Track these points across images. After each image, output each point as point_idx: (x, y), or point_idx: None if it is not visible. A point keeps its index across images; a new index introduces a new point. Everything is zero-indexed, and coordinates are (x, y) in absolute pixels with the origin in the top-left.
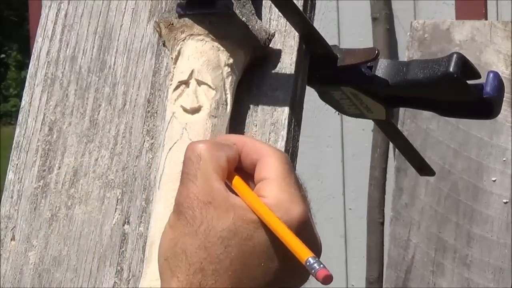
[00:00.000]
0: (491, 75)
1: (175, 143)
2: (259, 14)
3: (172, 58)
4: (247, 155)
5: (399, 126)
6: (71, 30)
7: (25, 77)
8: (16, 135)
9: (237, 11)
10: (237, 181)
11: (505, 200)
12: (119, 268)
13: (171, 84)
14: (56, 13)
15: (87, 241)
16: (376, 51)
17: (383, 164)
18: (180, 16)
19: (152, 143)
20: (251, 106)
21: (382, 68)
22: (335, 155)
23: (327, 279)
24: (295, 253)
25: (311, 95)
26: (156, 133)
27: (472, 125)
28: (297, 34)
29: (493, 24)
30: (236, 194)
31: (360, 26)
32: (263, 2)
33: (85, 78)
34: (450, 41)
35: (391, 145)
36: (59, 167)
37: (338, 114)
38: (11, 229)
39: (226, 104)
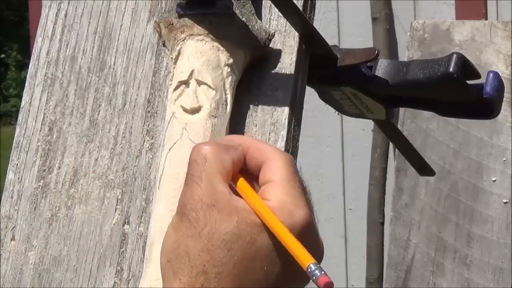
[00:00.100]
0: (491, 75)
1: (175, 143)
2: (259, 14)
3: (172, 58)
4: (252, 157)
5: (399, 126)
6: (71, 30)
7: (25, 77)
8: (16, 135)
9: (237, 11)
10: (242, 184)
11: (505, 200)
12: (119, 268)
13: (171, 84)
14: (56, 13)
15: (87, 241)
16: (376, 51)
17: (383, 164)
18: (180, 16)
19: (152, 143)
20: (251, 106)
21: (382, 68)
22: (335, 155)
23: (328, 286)
24: (296, 258)
25: (311, 95)
26: (156, 133)
27: (472, 125)
28: (297, 34)
29: (493, 24)
30: (241, 197)
31: (360, 26)
32: (263, 2)
33: (85, 78)
34: (450, 41)
35: (391, 145)
36: (59, 167)
37: (338, 114)
38: (11, 229)
39: (226, 104)
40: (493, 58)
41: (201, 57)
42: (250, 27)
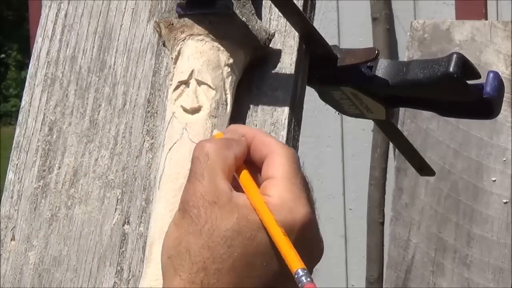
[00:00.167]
0: (491, 75)
1: (175, 143)
2: (259, 14)
3: (172, 58)
4: (255, 149)
5: (399, 126)
6: (71, 30)
7: (25, 77)
8: (16, 135)
9: (237, 11)
10: (244, 177)
11: (505, 200)
12: (119, 268)
13: (171, 84)
14: (56, 13)
15: (87, 241)
16: (376, 51)
17: (383, 164)
18: (180, 16)
19: (152, 143)
20: (251, 106)
21: (382, 68)
22: (335, 155)
23: None
24: (286, 261)
25: (311, 95)
26: (156, 133)
27: (472, 125)
28: (297, 34)
29: (493, 24)
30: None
31: (360, 26)
32: (263, 2)
33: (85, 78)
34: (450, 41)
35: (391, 145)
36: (59, 167)
37: (338, 114)
38: (11, 229)
39: (226, 104)
40: (493, 58)
41: (201, 57)
42: (250, 27)
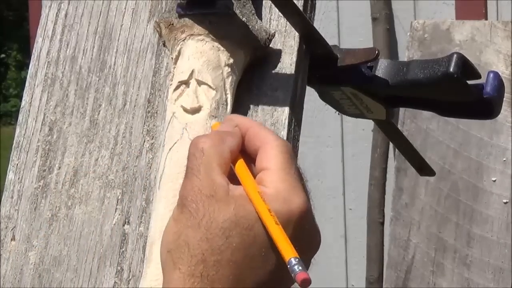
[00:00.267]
0: (491, 75)
1: (175, 143)
2: (259, 14)
3: (172, 58)
4: (250, 140)
5: (399, 126)
6: (71, 30)
7: (25, 77)
8: (16, 135)
9: (237, 11)
10: (240, 167)
11: (505, 200)
12: (119, 268)
13: (171, 84)
14: (56, 13)
15: (87, 241)
16: (376, 51)
17: (383, 164)
18: (180, 16)
19: (152, 143)
20: (251, 106)
21: (382, 68)
22: (335, 155)
23: (305, 283)
24: (279, 250)
25: (311, 95)
26: (156, 133)
27: (472, 125)
28: (297, 34)
29: (493, 24)
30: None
31: (360, 26)
32: (263, 2)
33: (85, 78)
34: (450, 41)
35: (391, 145)
36: (59, 167)
37: (338, 114)
38: (11, 229)
39: (226, 104)
40: (493, 58)
41: (201, 57)
42: (250, 27)
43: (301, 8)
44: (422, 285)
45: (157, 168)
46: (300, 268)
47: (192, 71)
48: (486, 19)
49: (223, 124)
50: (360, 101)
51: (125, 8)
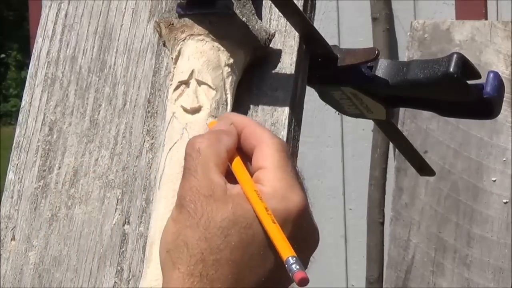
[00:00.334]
0: (491, 75)
1: (175, 143)
2: (259, 14)
3: (172, 58)
4: (245, 139)
5: (399, 126)
6: (71, 30)
7: (25, 77)
8: (16, 135)
9: (237, 11)
10: (236, 165)
11: (505, 200)
12: (119, 268)
13: (171, 84)
14: (56, 13)
15: (87, 241)
16: (376, 51)
17: (383, 164)
18: (180, 16)
19: (152, 143)
20: (251, 106)
21: (382, 68)
22: (335, 155)
23: (303, 282)
24: (277, 249)
25: (311, 95)
26: (156, 133)
27: (472, 125)
28: (297, 34)
29: (493, 24)
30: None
31: (360, 26)
32: (263, 2)
33: (85, 78)
34: (450, 41)
35: (391, 145)
36: (59, 167)
37: (338, 114)
38: (11, 229)
39: (226, 104)
40: (493, 58)
41: (201, 57)
42: (250, 27)
43: (301, 8)
44: (422, 285)
45: (157, 168)
46: (297, 267)
47: (192, 71)
48: (486, 19)
49: (219, 122)
50: (360, 101)
51: (125, 8)
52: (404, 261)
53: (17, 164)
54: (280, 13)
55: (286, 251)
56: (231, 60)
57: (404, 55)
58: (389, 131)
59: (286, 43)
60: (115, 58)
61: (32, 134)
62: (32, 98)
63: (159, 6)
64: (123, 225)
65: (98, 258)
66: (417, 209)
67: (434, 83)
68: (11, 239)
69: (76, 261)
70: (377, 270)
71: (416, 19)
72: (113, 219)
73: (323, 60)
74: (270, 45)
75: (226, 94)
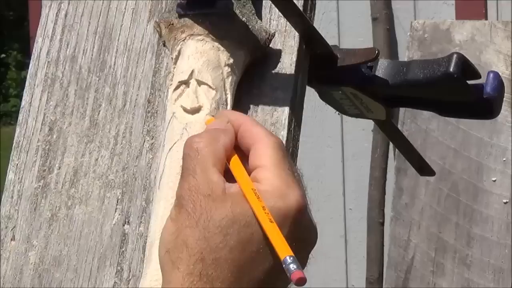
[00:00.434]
0: (491, 75)
1: (175, 143)
2: (259, 14)
3: (172, 58)
4: (242, 137)
5: (399, 126)
6: (71, 30)
7: (25, 77)
8: (16, 135)
9: (237, 11)
10: (234, 163)
11: (505, 200)
12: (119, 268)
13: (171, 84)
14: (56, 13)
15: (87, 241)
16: (376, 51)
17: (383, 164)
18: (180, 16)
19: (152, 143)
20: (251, 106)
21: (382, 68)
22: (335, 155)
23: (301, 282)
24: (275, 248)
25: (311, 95)
26: (156, 133)
27: (472, 125)
28: (297, 34)
29: (493, 24)
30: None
31: (360, 26)
32: (263, 2)
33: (85, 78)
34: (450, 41)
35: (391, 145)
36: (59, 167)
37: (338, 114)
38: (11, 229)
39: (226, 104)
40: (493, 58)
41: (201, 57)
42: (250, 27)
43: (301, 8)
44: (422, 285)
45: (157, 168)
46: (295, 267)
47: (192, 71)
48: (486, 19)
49: (216, 120)
50: (360, 101)
51: (125, 8)
52: (404, 261)
53: (17, 164)
54: (280, 13)
55: (284, 251)
56: (231, 60)
57: (404, 55)
58: (389, 131)
59: (286, 43)
60: (115, 58)
61: (32, 134)
62: (32, 98)
63: (159, 6)
64: (123, 225)
65: (98, 258)
66: (417, 209)
67: (434, 83)
68: (11, 239)
69: (76, 261)
70: (377, 270)
71: (416, 19)
72: (113, 219)
73: (323, 60)
74: (270, 45)
75: (226, 94)
